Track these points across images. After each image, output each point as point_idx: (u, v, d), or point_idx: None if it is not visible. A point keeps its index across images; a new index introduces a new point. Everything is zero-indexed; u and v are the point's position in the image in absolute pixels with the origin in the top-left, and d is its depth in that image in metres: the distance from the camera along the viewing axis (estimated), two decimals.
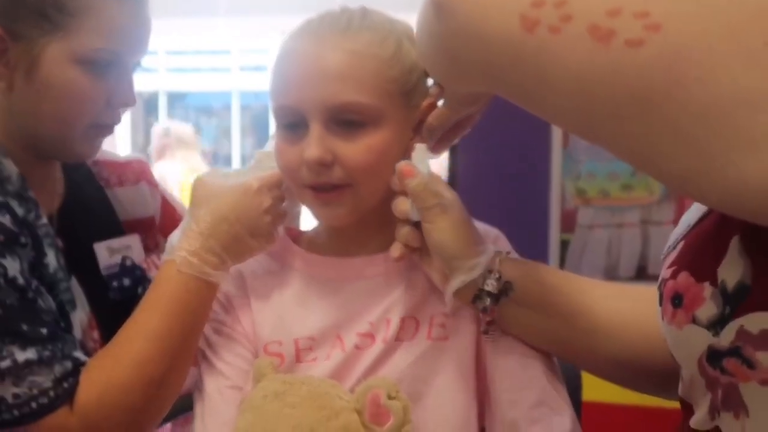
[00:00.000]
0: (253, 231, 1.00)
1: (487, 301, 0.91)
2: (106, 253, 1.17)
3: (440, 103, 0.95)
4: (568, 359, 0.98)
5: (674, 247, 0.74)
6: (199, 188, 1.03)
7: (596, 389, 1.42)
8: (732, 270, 0.63)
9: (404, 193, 0.93)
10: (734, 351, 0.63)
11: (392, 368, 0.94)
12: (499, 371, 0.94)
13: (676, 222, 0.80)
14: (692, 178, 0.55)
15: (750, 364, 0.62)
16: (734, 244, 0.64)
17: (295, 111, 0.92)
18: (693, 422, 0.70)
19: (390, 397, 0.83)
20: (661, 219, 2.19)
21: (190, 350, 0.99)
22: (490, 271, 0.91)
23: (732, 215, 0.59)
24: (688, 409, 0.72)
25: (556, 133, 2.20)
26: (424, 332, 0.95)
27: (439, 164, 2.18)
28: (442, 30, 0.70)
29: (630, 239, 2.22)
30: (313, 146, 0.90)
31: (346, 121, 0.90)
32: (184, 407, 1.08)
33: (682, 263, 0.70)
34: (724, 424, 0.66)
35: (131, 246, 1.21)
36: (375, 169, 0.92)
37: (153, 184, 1.33)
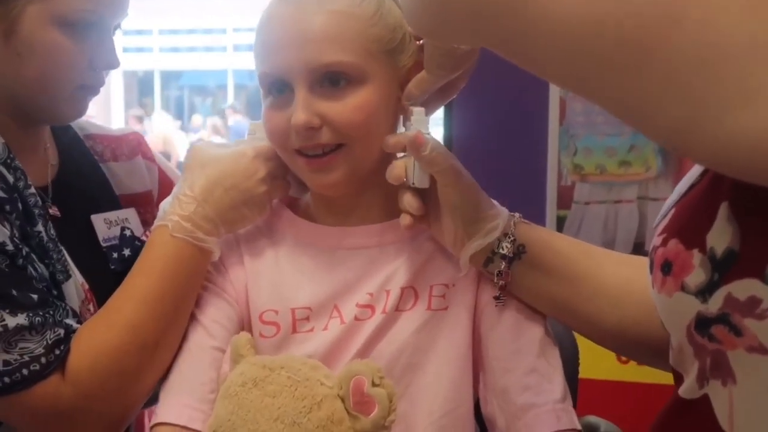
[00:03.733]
0: (247, 199, 0.99)
1: (502, 265, 0.91)
2: (104, 225, 1.16)
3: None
4: (571, 325, 0.98)
5: (665, 215, 0.73)
6: (193, 155, 1.02)
7: (592, 367, 1.42)
8: (721, 236, 0.62)
9: (394, 158, 0.93)
10: (722, 318, 0.61)
11: (392, 339, 0.94)
12: (493, 340, 0.94)
13: None
14: (684, 129, 0.52)
15: (737, 332, 0.61)
16: (723, 210, 0.62)
17: (279, 76, 0.92)
18: (682, 391, 0.69)
19: (374, 384, 0.80)
20: (658, 195, 2.18)
21: (184, 315, 0.98)
22: (505, 234, 0.91)
23: (721, 171, 0.57)
24: (679, 378, 0.71)
25: (553, 109, 2.19)
26: (423, 303, 0.95)
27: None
28: None
29: (627, 215, 2.21)
30: (299, 111, 0.90)
31: (330, 81, 0.90)
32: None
33: (672, 231, 0.68)
34: (712, 392, 0.65)
35: (128, 218, 1.20)
36: (364, 128, 0.92)
37: (149, 158, 1.31)
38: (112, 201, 1.21)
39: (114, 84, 11.33)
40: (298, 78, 0.90)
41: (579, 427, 0.90)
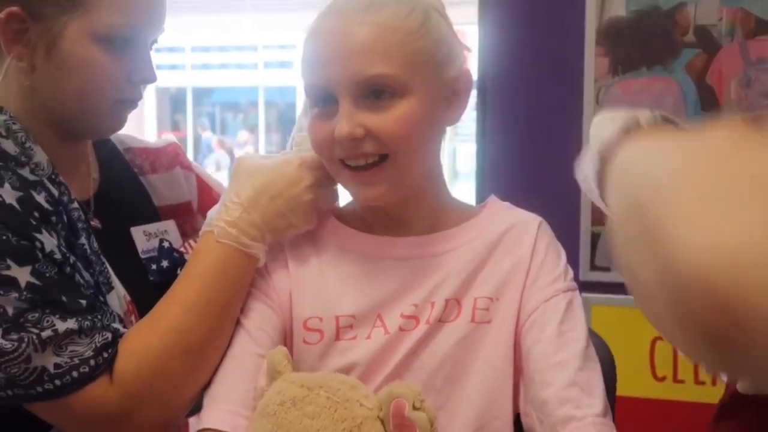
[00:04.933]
0: (293, 207, 1.00)
1: None
2: (144, 237, 1.17)
3: (474, 73, 0.95)
4: None
5: None
6: (240, 165, 1.04)
7: (630, 385, 1.40)
8: None
9: None
10: None
11: (435, 351, 0.94)
12: (535, 354, 0.94)
13: None
14: None
15: None
16: None
17: (324, 89, 0.93)
18: (740, 387, 0.75)
19: (415, 408, 0.79)
20: None
21: (229, 320, 0.98)
22: None
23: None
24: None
25: (587, 123, 2.17)
26: (467, 315, 0.95)
27: (468, 154, 2.16)
28: (732, 337, 0.54)
29: None
30: (343, 122, 0.91)
31: (374, 93, 0.91)
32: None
33: None
34: None
35: (167, 230, 1.21)
36: (408, 140, 0.92)
37: (187, 167, 1.33)
38: (151, 213, 1.22)
39: (147, 101, 11.47)
40: (343, 90, 0.91)
41: None
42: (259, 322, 0.98)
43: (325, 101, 0.94)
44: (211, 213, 1.02)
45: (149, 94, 12.70)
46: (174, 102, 11.58)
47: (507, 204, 1.06)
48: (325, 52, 0.93)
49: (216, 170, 12.69)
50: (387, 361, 0.94)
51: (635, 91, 1.86)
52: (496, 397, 0.95)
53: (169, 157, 1.30)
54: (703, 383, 1.81)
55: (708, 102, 1.85)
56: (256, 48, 8.65)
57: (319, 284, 0.99)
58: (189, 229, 1.26)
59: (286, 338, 0.99)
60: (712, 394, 1.76)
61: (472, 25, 1.99)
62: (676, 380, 1.87)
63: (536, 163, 2.22)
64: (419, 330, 0.95)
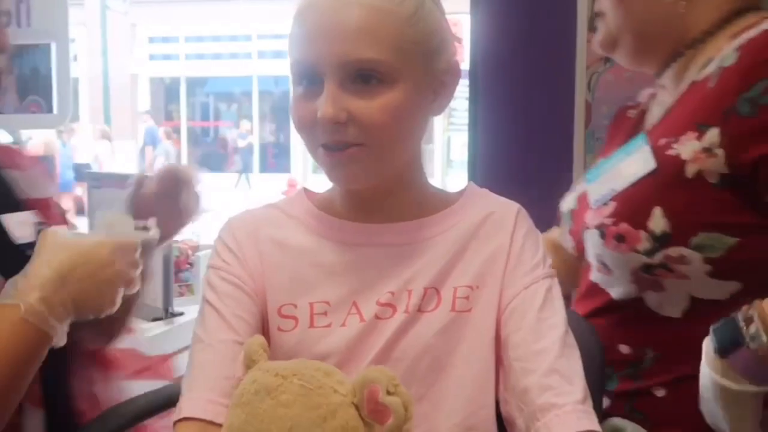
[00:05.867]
0: (101, 291, 0.99)
1: None
2: (14, 224, 1.16)
3: (463, 65, 0.95)
4: None
5: (606, 203, 1.18)
6: (50, 238, 1.02)
7: None
8: (657, 226, 1.09)
9: None
10: (662, 265, 1.11)
11: (415, 340, 0.93)
12: (515, 341, 0.93)
13: None
14: None
15: (670, 270, 1.10)
16: (657, 210, 1.10)
17: (311, 67, 0.91)
18: (615, 294, 1.20)
19: (389, 393, 0.77)
20: None
21: (17, 392, 0.97)
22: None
23: None
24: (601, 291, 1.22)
25: (579, 112, 2.18)
26: (447, 304, 0.94)
27: (462, 143, 2.16)
28: None
29: None
30: (327, 104, 0.89)
31: (361, 78, 0.89)
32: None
33: (620, 217, 1.15)
34: (647, 296, 1.16)
35: (35, 219, 1.20)
36: (391, 130, 0.91)
37: (48, 176, 1.33)
38: (16, 203, 1.21)
39: (141, 91, 11.43)
40: (330, 71, 0.89)
41: (599, 429, 0.88)
42: (235, 309, 0.95)
43: (310, 80, 0.91)
44: (16, 282, 1.00)
45: (143, 84, 12.66)
46: (168, 92, 11.54)
47: (485, 191, 1.04)
48: (315, 29, 0.90)
49: (165, 160, 12.72)
50: (365, 351, 0.93)
51: (627, 77, 1.86)
52: (482, 386, 0.95)
53: (31, 160, 1.30)
54: None
55: None
56: (250, 38, 8.64)
57: (294, 270, 0.97)
58: (52, 222, 1.25)
59: (264, 326, 0.98)
60: None
61: (465, 14, 2.00)
62: None
63: (528, 152, 2.23)
64: (397, 319, 0.93)
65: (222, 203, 2.16)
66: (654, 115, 1.27)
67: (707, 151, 1.08)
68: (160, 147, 12.50)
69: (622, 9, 1.23)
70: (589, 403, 0.90)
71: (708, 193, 1.08)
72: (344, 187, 0.98)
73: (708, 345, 0.99)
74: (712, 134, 1.08)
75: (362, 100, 0.89)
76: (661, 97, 1.28)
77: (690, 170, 1.09)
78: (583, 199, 1.28)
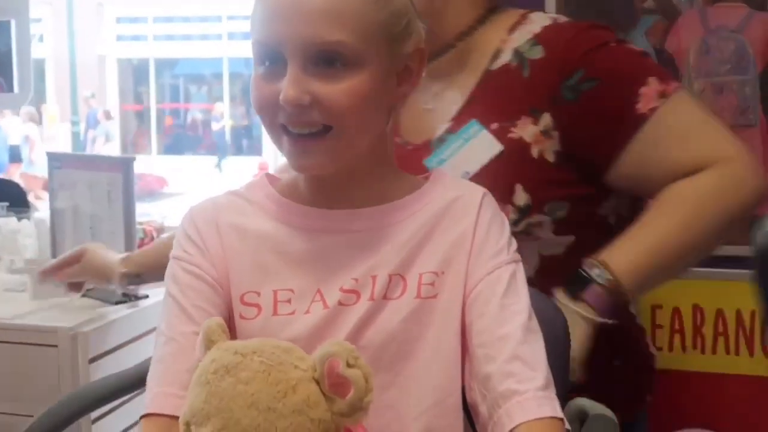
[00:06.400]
0: None
1: None
2: None
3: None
4: None
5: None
6: None
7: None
8: (520, 199, 1.24)
9: None
10: (523, 231, 1.24)
11: (381, 327, 0.92)
12: (479, 327, 0.93)
13: None
14: None
15: (528, 233, 1.25)
16: (518, 186, 1.24)
17: (273, 47, 0.89)
18: None
19: (349, 365, 0.77)
20: None
21: None
22: None
23: None
24: None
25: None
26: (412, 291, 0.93)
27: None
28: None
29: None
30: (289, 87, 0.87)
31: (325, 61, 0.87)
32: None
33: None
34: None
35: None
36: (356, 113, 0.89)
37: None
38: None
39: (109, 72, 11.29)
40: (293, 52, 0.87)
41: (561, 415, 0.88)
42: (196, 300, 0.94)
43: (272, 60, 0.89)
44: None
45: (111, 65, 12.51)
46: (136, 73, 11.41)
47: (451, 176, 1.03)
48: (279, 8, 0.88)
49: (105, 141, 12.74)
50: (329, 338, 0.91)
51: None
52: (449, 373, 0.94)
53: None
54: None
55: (668, 69, 1.87)
56: (220, 19, 8.56)
57: (257, 258, 0.95)
58: None
59: (229, 315, 0.96)
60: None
61: None
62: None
63: None
64: (361, 306, 0.92)
65: (192, 187, 2.14)
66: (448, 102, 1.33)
67: (545, 133, 1.25)
68: (100, 128, 12.50)
69: None
70: (552, 389, 0.90)
71: (552, 169, 1.26)
72: (308, 174, 0.96)
73: (562, 294, 1.20)
74: (546, 118, 1.25)
75: (326, 84, 0.88)
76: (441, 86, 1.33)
77: (534, 151, 1.25)
78: None
